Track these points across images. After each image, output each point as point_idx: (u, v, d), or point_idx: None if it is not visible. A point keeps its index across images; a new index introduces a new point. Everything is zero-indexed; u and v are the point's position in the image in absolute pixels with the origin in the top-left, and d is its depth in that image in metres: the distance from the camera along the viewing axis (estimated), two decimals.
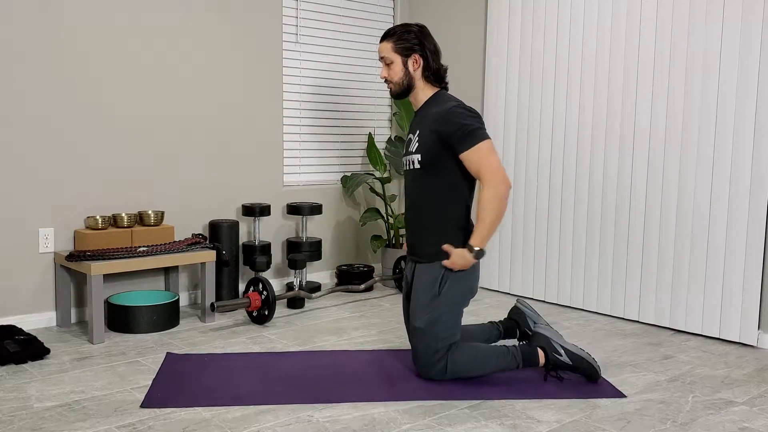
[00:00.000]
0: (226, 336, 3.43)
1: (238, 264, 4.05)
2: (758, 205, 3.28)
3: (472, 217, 2.84)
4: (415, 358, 2.78)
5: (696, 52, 3.45)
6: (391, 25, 4.39)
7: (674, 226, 3.58)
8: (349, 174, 4.73)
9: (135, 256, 3.39)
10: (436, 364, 2.71)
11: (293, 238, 4.36)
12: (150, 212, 3.70)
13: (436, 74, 2.80)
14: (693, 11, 3.45)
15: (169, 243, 3.65)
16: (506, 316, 3.09)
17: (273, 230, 4.40)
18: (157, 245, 3.59)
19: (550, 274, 4.15)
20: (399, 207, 5.05)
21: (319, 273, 4.64)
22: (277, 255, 4.44)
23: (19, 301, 3.46)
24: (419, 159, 2.75)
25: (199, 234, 3.82)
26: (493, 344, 2.83)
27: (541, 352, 2.78)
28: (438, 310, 2.70)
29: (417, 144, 2.76)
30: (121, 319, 3.44)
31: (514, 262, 4.34)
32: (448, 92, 2.83)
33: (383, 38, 2.80)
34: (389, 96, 4.93)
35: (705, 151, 3.45)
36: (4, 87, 3.33)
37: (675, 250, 3.58)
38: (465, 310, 3.98)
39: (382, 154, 4.83)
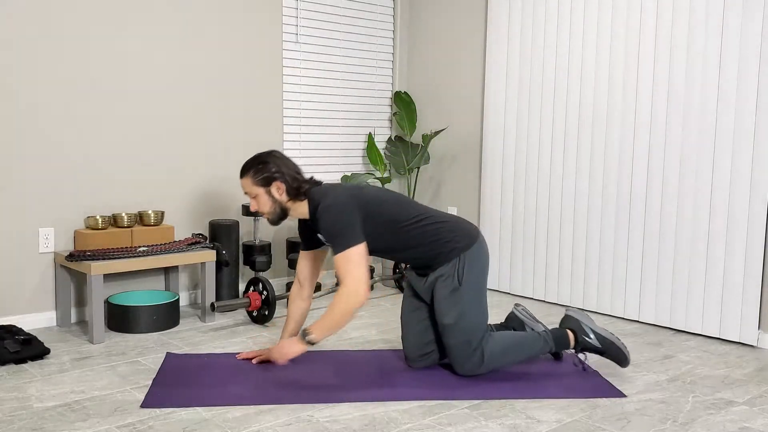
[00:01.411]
0: (226, 336, 3.43)
1: (238, 264, 4.05)
2: (758, 205, 3.28)
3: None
4: (449, 356, 2.78)
5: (696, 52, 3.45)
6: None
7: (674, 225, 3.58)
8: (349, 174, 4.73)
9: (135, 256, 3.39)
10: (471, 355, 2.72)
11: (293, 238, 4.36)
12: (150, 212, 3.70)
13: (298, 190, 2.74)
14: (693, 12, 3.45)
15: (169, 243, 3.64)
16: (503, 322, 3.10)
17: (273, 230, 4.40)
18: (157, 245, 3.59)
19: (550, 274, 4.15)
20: None
21: (319, 273, 4.64)
22: (277, 255, 4.44)
23: (19, 301, 3.46)
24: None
25: (199, 234, 3.82)
26: (522, 332, 2.86)
27: (570, 334, 2.81)
28: (463, 301, 2.71)
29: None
30: (121, 319, 3.44)
31: (514, 262, 4.34)
32: (319, 186, 2.76)
33: (241, 175, 2.78)
34: (390, 98, 4.94)
35: (705, 150, 3.45)
36: (4, 87, 3.33)
37: (675, 249, 3.58)
38: None
39: (382, 154, 4.83)
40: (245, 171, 2.77)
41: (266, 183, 2.73)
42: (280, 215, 2.79)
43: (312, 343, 2.62)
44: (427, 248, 2.73)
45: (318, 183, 2.81)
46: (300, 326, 3.02)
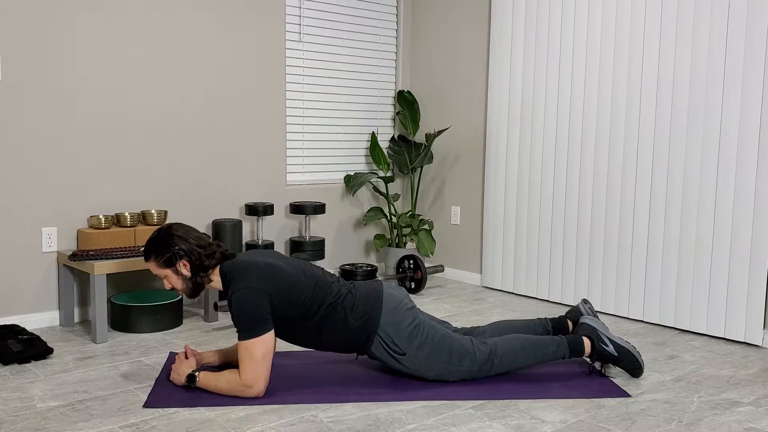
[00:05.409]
0: (229, 335, 3.42)
1: None
2: (763, 204, 3.27)
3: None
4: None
5: (700, 55, 3.43)
6: (391, 26, 4.38)
7: (678, 225, 3.57)
8: (352, 173, 4.72)
9: (138, 256, 3.39)
10: (481, 367, 2.71)
11: (296, 237, 4.36)
12: (153, 211, 3.70)
13: (205, 266, 2.65)
14: (697, 16, 3.43)
15: None
16: (563, 314, 3.10)
17: (276, 229, 4.39)
18: None
19: (554, 273, 4.14)
20: (402, 206, 5.04)
21: None
22: None
23: (22, 301, 3.45)
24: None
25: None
26: (537, 335, 2.84)
27: (587, 342, 2.80)
28: (421, 358, 2.68)
29: None
30: (124, 319, 3.44)
31: (518, 262, 4.33)
32: (233, 260, 2.67)
33: (145, 259, 2.69)
34: (393, 97, 4.93)
35: (709, 149, 3.43)
36: (8, 86, 3.33)
37: (679, 248, 3.57)
38: (470, 310, 3.98)
39: (386, 153, 4.82)
40: (148, 255, 2.69)
41: (170, 264, 2.65)
42: (196, 288, 2.71)
43: (192, 386, 2.62)
44: (342, 337, 2.68)
45: (230, 255, 2.70)
46: (221, 360, 2.90)
